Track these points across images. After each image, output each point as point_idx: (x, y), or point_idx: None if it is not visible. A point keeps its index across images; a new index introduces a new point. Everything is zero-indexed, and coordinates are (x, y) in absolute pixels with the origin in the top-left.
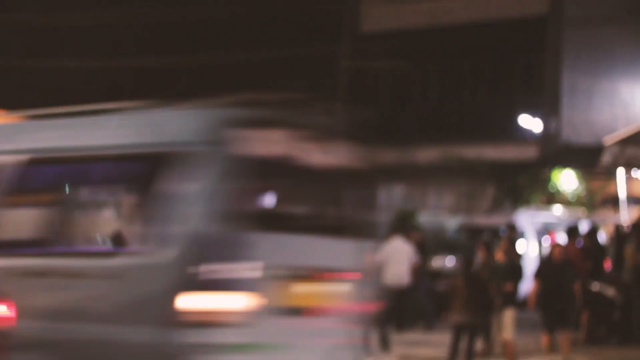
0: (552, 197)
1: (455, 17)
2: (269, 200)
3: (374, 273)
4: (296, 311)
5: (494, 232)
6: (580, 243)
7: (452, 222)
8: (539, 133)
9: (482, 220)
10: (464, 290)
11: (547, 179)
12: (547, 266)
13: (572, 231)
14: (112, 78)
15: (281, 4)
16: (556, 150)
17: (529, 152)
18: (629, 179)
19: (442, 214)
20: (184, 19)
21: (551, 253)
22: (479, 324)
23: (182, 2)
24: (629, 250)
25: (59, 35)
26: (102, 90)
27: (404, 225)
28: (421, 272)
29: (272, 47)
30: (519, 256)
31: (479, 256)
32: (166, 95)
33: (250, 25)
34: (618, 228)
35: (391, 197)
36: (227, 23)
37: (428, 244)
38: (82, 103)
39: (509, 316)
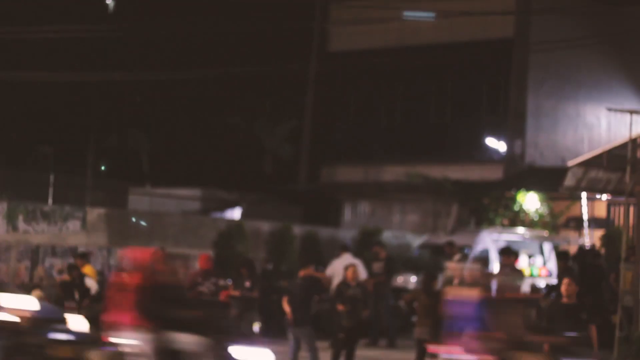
0: (516, 218)
1: (422, 38)
2: None
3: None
4: None
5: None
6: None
7: (416, 241)
8: (504, 154)
9: (446, 239)
10: (426, 306)
11: (511, 200)
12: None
13: (562, 255)
14: (78, 91)
15: (250, 23)
16: (520, 172)
17: (493, 173)
18: (592, 201)
19: (406, 232)
20: (155, 35)
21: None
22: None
23: (147, 18)
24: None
25: (27, 48)
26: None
27: (369, 242)
28: (384, 289)
29: (241, 64)
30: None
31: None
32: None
33: (220, 43)
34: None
35: (356, 214)
36: (196, 40)
37: (392, 262)
38: (46, 115)
39: None
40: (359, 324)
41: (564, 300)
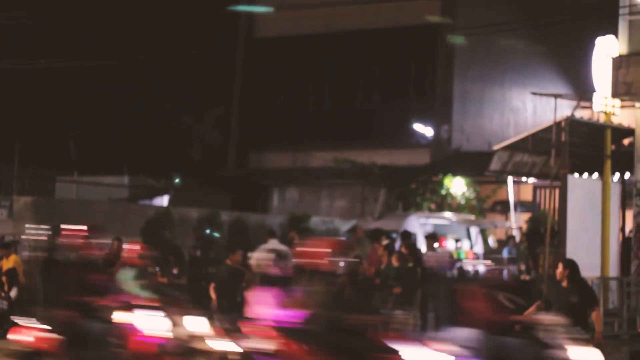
0: (443, 202)
1: (349, 24)
2: None
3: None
4: None
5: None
6: None
7: (344, 226)
8: (431, 139)
9: (374, 224)
10: (350, 292)
11: (438, 185)
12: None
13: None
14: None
15: (178, 9)
16: (447, 157)
17: (420, 158)
18: (518, 184)
19: (334, 218)
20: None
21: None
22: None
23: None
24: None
25: None
26: None
27: (297, 228)
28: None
29: (168, 51)
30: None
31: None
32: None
33: (147, 28)
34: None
35: (284, 200)
36: (124, 26)
37: None
38: None
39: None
40: None
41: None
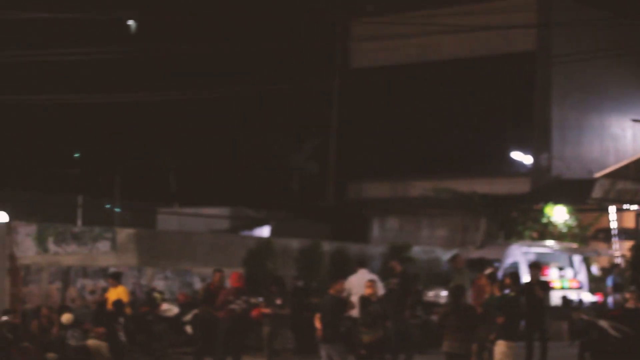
0: (545, 231)
1: (444, 53)
2: None
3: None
4: None
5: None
6: None
7: (445, 255)
8: (531, 167)
9: (475, 253)
10: (454, 320)
11: (539, 213)
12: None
13: None
14: (103, 112)
15: (274, 41)
16: (548, 185)
17: (520, 186)
18: (620, 212)
19: (435, 247)
20: (178, 55)
21: None
22: (469, 353)
23: (175, 38)
24: None
25: (51, 70)
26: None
27: (397, 257)
28: (401, 304)
29: (265, 83)
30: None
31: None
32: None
33: (244, 62)
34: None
35: (385, 230)
36: (221, 60)
37: (408, 277)
38: (73, 138)
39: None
40: (380, 339)
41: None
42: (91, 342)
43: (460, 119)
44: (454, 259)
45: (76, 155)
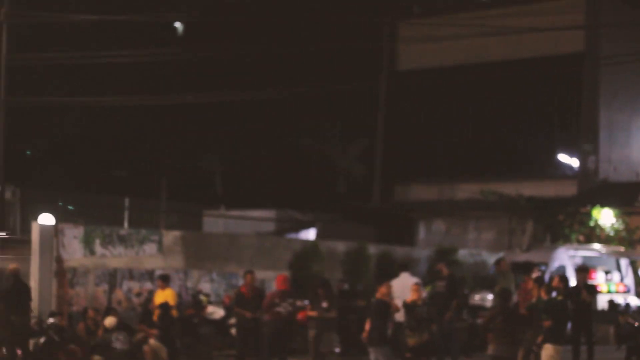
0: (592, 234)
1: (492, 54)
2: None
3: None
4: None
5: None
6: None
7: (492, 258)
8: (577, 170)
9: (522, 256)
10: (501, 323)
11: (586, 216)
12: None
13: None
14: (150, 115)
15: (320, 43)
16: (594, 187)
17: (567, 189)
18: None
19: (482, 250)
20: (224, 57)
21: None
22: (515, 356)
23: (219, 41)
24: None
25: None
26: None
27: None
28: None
29: (311, 85)
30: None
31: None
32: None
33: (290, 64)
34: None
35: (431, 233)
36: (266, 62)
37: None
38: (119, 140)
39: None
40: (425, 343)
41: None
42: (152, 343)
43: (508, 121)
44: (498, 262)
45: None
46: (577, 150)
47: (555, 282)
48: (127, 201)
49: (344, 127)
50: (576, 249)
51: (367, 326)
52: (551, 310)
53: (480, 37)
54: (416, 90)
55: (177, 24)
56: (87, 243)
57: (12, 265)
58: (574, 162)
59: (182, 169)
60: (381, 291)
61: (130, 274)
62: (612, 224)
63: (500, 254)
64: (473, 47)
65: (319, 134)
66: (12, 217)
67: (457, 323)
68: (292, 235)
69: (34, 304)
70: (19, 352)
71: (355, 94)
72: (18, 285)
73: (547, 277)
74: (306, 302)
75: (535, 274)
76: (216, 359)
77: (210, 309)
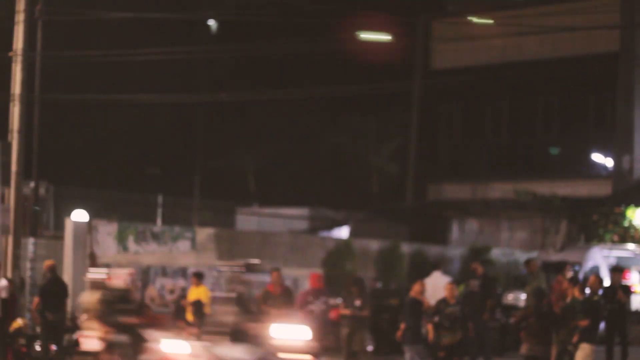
0: (626, 234)
1: (526, 53)
2: None
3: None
4: None
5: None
6: None
7: (525, 258)
8: (612, 169)
9: (556, 256)
10: (535, 323)
11: (621, 216)
12: None
13: None
14: (184, 113)
15: (354, 41)
16: (629, 187)
17: (602, 189)
18: None
19: (515, 250)
20: (257, 56)
21: None
22: (548, 356)
23: (254, 39)
24: None
25: (132, 70)
26: (175, 125)
27: (477, 259)
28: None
29: (344, 83)
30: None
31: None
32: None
33: (324, 62)
34: None
35: (464, 232)
36: (300, 60)
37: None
38: (153, 137)
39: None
40: (459, 341)
41: None
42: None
43: (541, 121)
44: (528, 263)
45: None
46: (612, 150)
47: (591, 282)
48: (160, 198)
49: (378, 125)
50: (610, 249)
51: (403, 325)
52: (588, 309)
53: (515, 36)
54: (450, 89)
55: (211, 22)
56: (121, 240)
57: (48, 262)
58: (609, 162)
59: (216, 167)
60: (415, 289)
61: (164, 271)
62: None
63: (533, 254)
64: (507, 46)
65: (353, 132)
66: (45, 214)
67: (490, 323)
68: (325, 234)
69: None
70: (53, 347)
71: (389, 92)
72: (55, 282)
73: (580, 276)
74: (339, 300)
75: (569, 274)
76: None
77: None
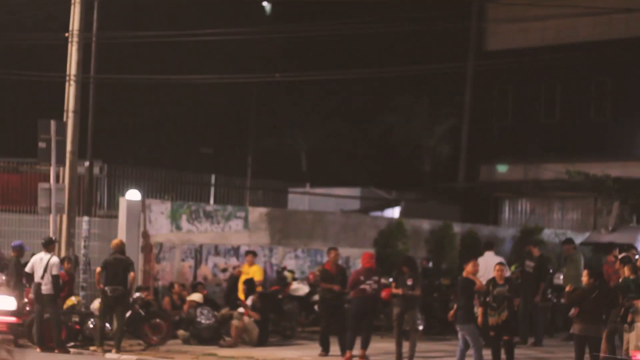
0: None
1: (580, 35)
2: None
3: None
4: None
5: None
6: None
7: (577, 239)
8: None
9: (607, 237)
10: (586, 303)
11: None
12: None
13: None
14: (237, 93)
15: (407, 22)
16: None
17: None
18: None
19: (567, 230)
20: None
21: None
22: (600, 335)
23: (307, 19)
24: None
25: (186, 51)
26: (228, 105)
27: (529, 240)
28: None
29: (398, 64)
30: None
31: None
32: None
33: (377, 43)
34: None
35: (516, 212)
36: (354, 41)
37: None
38: (206, 117)
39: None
40: (505, 321)
41: None
42: (246, 320)
43: (595, 102)
44: (564, 244)
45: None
46: None
47: None
48: (213, 178)
49: (431, 106)
50: None
51: (455, 305)
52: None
53: (570, 17)
54: (504, 71)
55: (265, 3)
56: (174, 219)
57: (116, 240)
58: None
59: (268, 147)
60: (467, 269)
61: (216, 250)
62: None
63: (586, 235)
64: (562, 28)
65: (406, 113)
66: (99, 193)
67: (541, 303)
68: (377, 214)
69: None
70: (107, 327)
71: (443, 73)
72: (119, 259)
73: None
74: (390, 279)
75: (621, 254)
76: (300, 335)
77: (295, 285)
